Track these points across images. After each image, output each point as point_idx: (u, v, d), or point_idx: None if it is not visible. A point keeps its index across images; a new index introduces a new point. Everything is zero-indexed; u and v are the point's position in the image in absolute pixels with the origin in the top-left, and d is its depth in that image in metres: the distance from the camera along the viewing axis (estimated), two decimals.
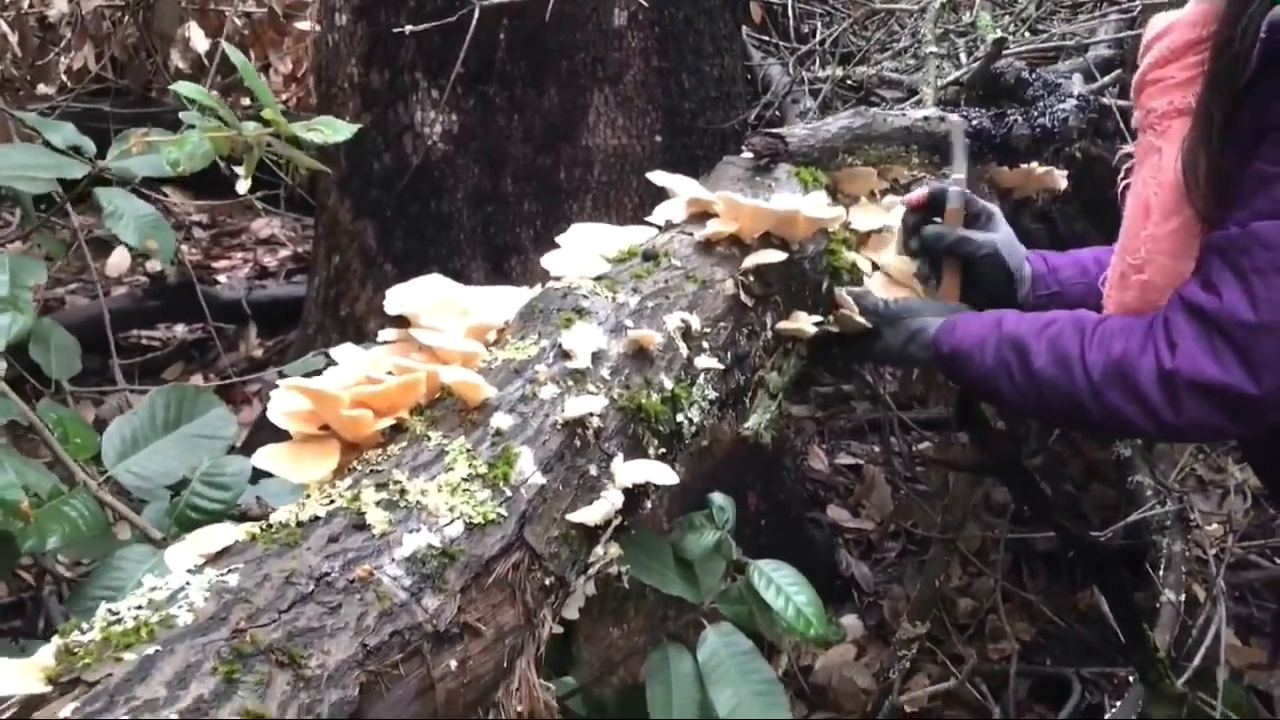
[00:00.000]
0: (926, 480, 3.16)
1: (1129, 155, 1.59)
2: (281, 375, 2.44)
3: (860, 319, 1.68)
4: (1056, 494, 2.88)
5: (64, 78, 4.19)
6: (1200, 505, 2.55)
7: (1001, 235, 1.73)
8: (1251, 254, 1.33)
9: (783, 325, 1.65)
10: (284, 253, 4.32)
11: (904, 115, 1.93)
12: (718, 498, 1.53)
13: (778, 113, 2.94)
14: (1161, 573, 2.27)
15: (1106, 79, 2.56)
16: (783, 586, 1.42)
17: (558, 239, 1.63)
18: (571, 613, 1.28)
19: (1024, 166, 2.16)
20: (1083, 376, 1.44)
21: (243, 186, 1.58)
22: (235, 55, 1.40)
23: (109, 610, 0.90)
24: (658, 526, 1.62)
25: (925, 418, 3.32)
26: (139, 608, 0.91)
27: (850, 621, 2.95)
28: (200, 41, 3.96)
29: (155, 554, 1.33)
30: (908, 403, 3.39)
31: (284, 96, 4.36)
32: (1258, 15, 1.29)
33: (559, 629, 1.21)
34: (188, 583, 0.94)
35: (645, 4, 2.42)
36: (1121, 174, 1.61)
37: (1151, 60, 1.48)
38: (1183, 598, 2.24)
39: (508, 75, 2.47)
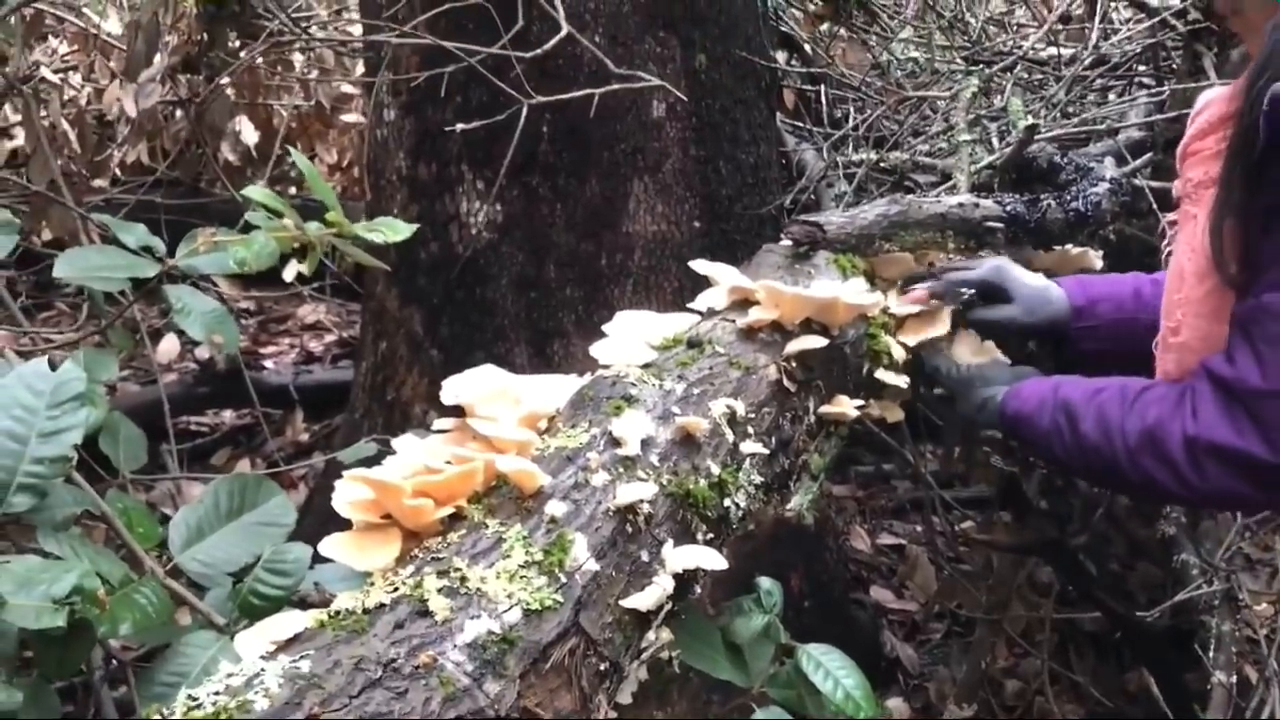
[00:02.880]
0: (970, 560, 3.15)
1: (1172, 223, 1.65)
2: (329, 461, 2.51)
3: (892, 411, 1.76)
4: (1102, 573, 2.86)
5: (117, 171, 4.35)
6: (1249, 584, 2.54)
7: (1021, 297, 1.81)
8: (1262, 324, 1.39)
9: (825, 409, 1.69)
10: (330, 338, 4.42)
11: (939, 202, 1.99)
12: (765, 581, 1.56)
13: (813, 196, 3.01)
14: (1211, 653, 2.25)
15: (1138, 161, 2.61)
16: (831, 670, 1.44)
17: (604, 328, 1.70)
18: (625, 698, 1.31)
19: (1059, 249, 2.20)
20: (1121, 442, 1.52)
21: (290, 274, 1.65)
22: (302, 162, 1.49)
23: (189, 696, 0.95)
24: (703, 609, 1.66)
25: (967, 496, 3.33)
26: (217, 694, 0.96)
27: (896, 705, 2.93)
28: (250, 135, 4.10)
29: (219, 639, 1.37)
30: (949, 481, 3.40)
31: (329, 185, 4.49)
32: (1264, 89, 1.35)
33: (613, 714, 1.25)
34: (262, 669, 0.99)
35: (684, 97, 2.50)
36: (1166, 241, 1.67)
37: (1193, 132, 1.56)
38: (1234, 679, 2.22)
39: (551, 166, 2.55)
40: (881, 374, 1.81)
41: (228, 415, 3.94)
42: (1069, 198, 2.12)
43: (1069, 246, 2.25)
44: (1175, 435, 1.47)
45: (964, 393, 1.76)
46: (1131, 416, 1.53)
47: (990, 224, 1.99)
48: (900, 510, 3.62)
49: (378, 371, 2.83)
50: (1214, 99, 1.54)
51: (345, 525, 1.30)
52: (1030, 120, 2.39)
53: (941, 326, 1.85)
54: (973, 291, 1.86)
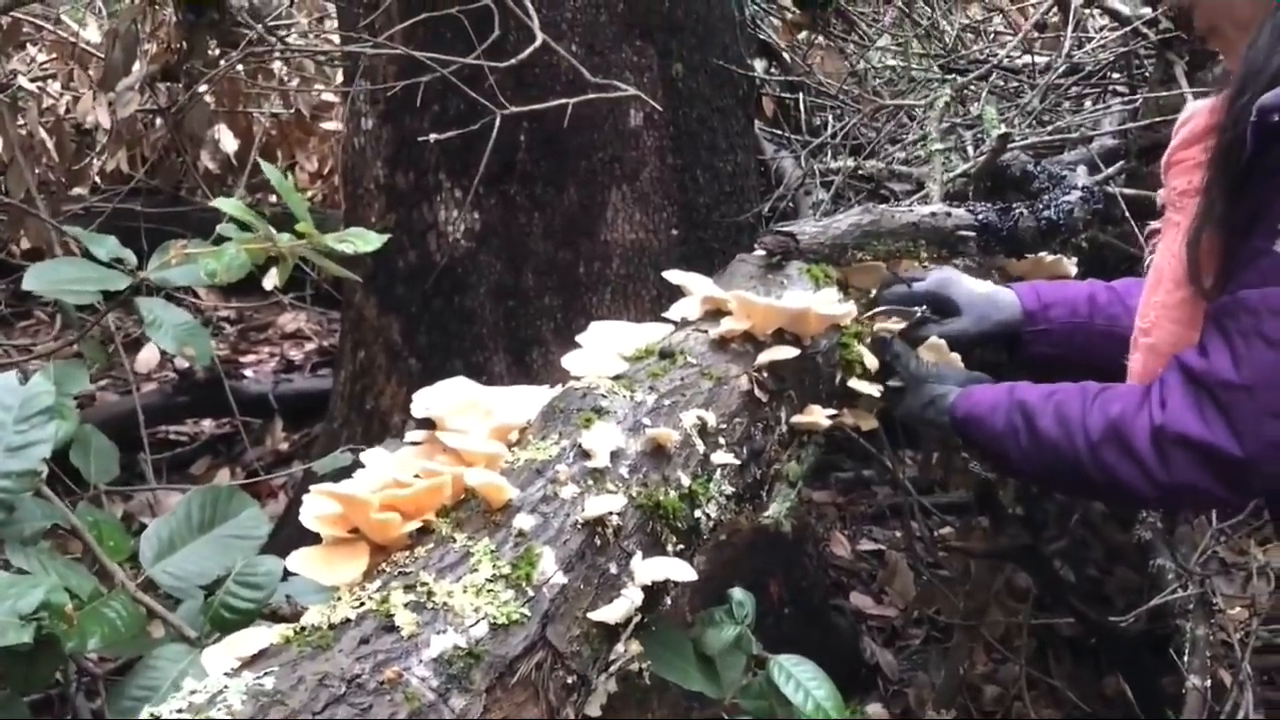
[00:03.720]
0: (949, 566, 3.16)
1: (1156, 231, 1.67)
2: (308, 470, 2.50)
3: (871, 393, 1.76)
4: (1080, 578, 2.88)
5: (96, 179, 4.34)
6: (1224, 589, 2.55)
7: (968, 305, 1.84)
8: (1237, 318, 1.40)
9: (797, 419, 1.70)
10: (310, 346, 4.41)
11: (911, 211, 1.99)
12: (737, 593, 1.57)
13: (790, 204, 3.01)
14: (1186, 658, 2.26)
15: (1112, 169, 2.63)
16: (802, 681, 1.45)
17: (578, 338, 1.70)
18: (594, 710, 1.31)
19: (1032, 256, 2.22)
20: (1082, 437, 1.52)
21: (270, 283, 1.65)
22: (272, 173, 1.48)
23: (152, 715, 0.95)
24: (678, 618, 1.66)
25: (946, 502, 3.34)
26: (180, 711, 0.96)
27: (875, 710, 2.94)
28: (229, 143, 4.10)
29: (190, 653, 1.37)
30: (928, 487, 3.41)
31: (309, 193, 4.48)
32: (1248, 105, 1.37)
33: None
34: (226, 686, 0.99)
35: (660, 107, 2.51)
36: (1149, 249, 1.69)
37: (1177, 142, 1.58)
38: (1209, 683, 2.23)
39: (528, 175, 2.56)
40: (854, 383, 1.82)
41: (207, 424, 3.93)
42: (1041, 206, 2.13)
43: (1043, 254, 2.27)
44: (1142, 426, 1.47)
45: (914, 387, 1.76)
46: (1094, 411, 1.53)
47: (962, 233, 2.00)
48: (880, 516, 3.63)
49: (356, 380, 2.83)
50: (1198, 110, 1.56)
51: (317, 539, 1.29)
52: (1004, 129, 2.41)
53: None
54: (923, 308, 1.87)
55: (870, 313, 1.89)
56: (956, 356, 1.83)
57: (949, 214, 2.01)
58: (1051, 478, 1.64)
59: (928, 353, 1.84)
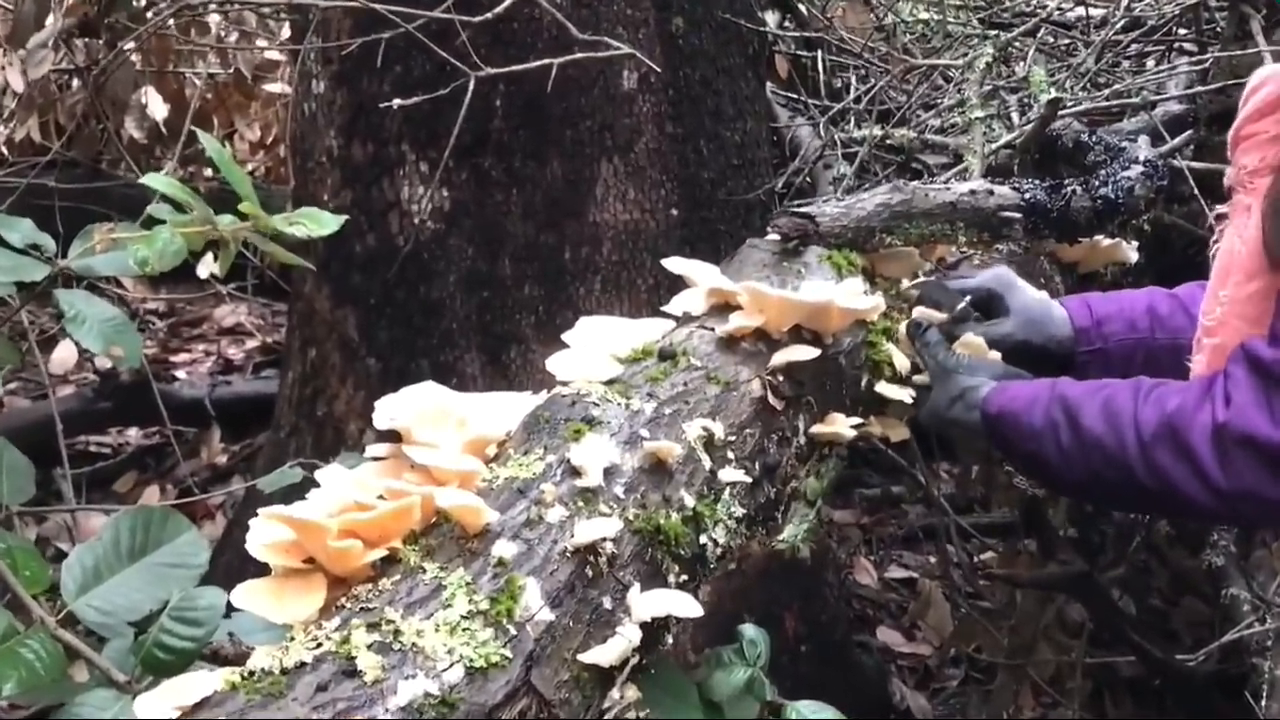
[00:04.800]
0: (991, 596, 3.18)
1: (1222, 215, 1.67)
2: (250, 488, 2.51)
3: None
4: (1141, 610, 2.89)
5: (3, 150, 4.34)
6: None
7: (1019, 310, 1.84)
8: None
9: (817, 429, 1.71)
10: (251, 344, 4.41)
11: (948, 189, 2.00)
12: (749, 629, 1.57)
13: (808, 179, 3.03)
14: (1264, 701, 2.28)
15: (1178, 140, 2.64)
16: None
17: (564, 336, 1.71)
18: None
19: (1086, 240, 2.23)
20: (1132, 434, 1.51)
21: (207, 271, 1.66)
22: (211, 144, 1.49)
23: None
24: (682, 658, 1.67)
25: (987, 523, 3.35)
26: None
27: None
28: (158, 108, 4.09)
29: (120, 699, 1.37)
30: (967, 506, 3.42)
31: (252, 167, 4.49)
32: None
33: None
34: None
35: (658, 67, 2.52)
36: (1215, 236, 1.69)
37: (1247, 113, 1.58)
38: None
39: (505, 146, 2.56)
40: (883, 387, 1.83)
41: (133, 434, 3.93)
42: (1097, 182, 2.14)
43: (1099, 238, 2.28)
44: (1202, 423, 1.47)
45: (941, 379, 1.76)
46: (1147, 406, 1.53)
47: (1006, 214, 2.01)
48: (911, 539, 3.64)
49: (306, 383, 2.83)
50: (1270, 76, 1.57)
51: (264, 568, 1.30)
52: (1054, 93, 2.42)
53: None
54: (967, 300, 1.88)
55: (912, 283, 1.90)
56: (996, 355, 1.84)
57: (991, 192, 2.02)
58: (1095, 484, 1.62)
59: (963, 349, 1.85)
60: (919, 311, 1.87)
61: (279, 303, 4.25)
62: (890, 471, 3.54)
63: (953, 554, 3.23)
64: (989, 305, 1.90)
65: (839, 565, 3.30)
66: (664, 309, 1.83)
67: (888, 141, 2.98)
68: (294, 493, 1.62)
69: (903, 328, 1.88)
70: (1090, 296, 1.93)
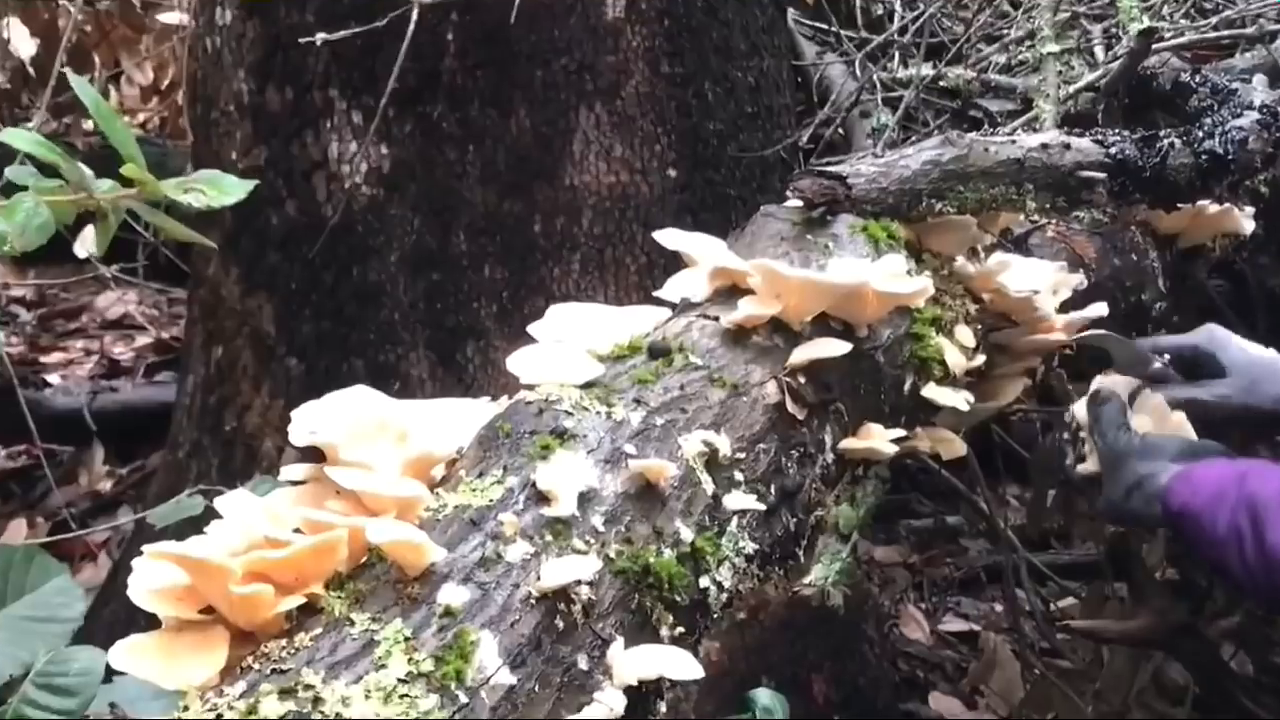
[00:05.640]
0: (1071, 654, 3.18)
1: None
2: (140, 521, 2.50)
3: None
4: (1260, 669, 2.89)
5: None
6: None
7: (1238, 369, 1.85)
8: None
9: (848, 444, 1.71)
10: (143, 340, 4.41)
11: (1014, 143, 2.01)
12: (764, 695, 1.58)
13: (840, 132, 3.03)
14: None
15: None
16: None
17: (531, 329, 1.71)
18: None
19: (1188, 206, 2.23)
20: None
21: (84, 250, 1.66)
22: (83, 88, 1.49)
23: None
24: None
25: (1067, 562, 3.36)
26: None
27: None
28: (24, 44, 4.08)
29: None
30: (1042, 541, 3.43)
31: (142, 117, 4.48)
32: None
33: None
34: None
35: None
36: None
37: None
38: None
39: (459, 91, 2.56)
40: (932, 391, 1.84)
41: None
42: (1201, 133, 2.14)
43: (1205, 203, 2.28)
44: None
45: (1115, 463, 1.78)
46: None
47: (1087, 173, 2.01)
48: (972, 582, 3.64)
49: (211, 389, 2.83)
50: None
51: (154, 620, 1.30)
52: (1148, 21, 2.42)
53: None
54: (1166, 359, 1.89)
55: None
56: (1180, 419, 1.83)
57: (1068, 146, 2.02)
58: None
59: (1142, 419, 1.85)
60: (1101, 381, 1.88)
61: (178, 288, 4.25)
62: (944, 497, 3.54)
63: (1023, 601, 3.23)
64: (1194, 365, 1.91)
65: (881, 615, 3.31)
66: (657, 294, 1.83)
67: (940, 83, 2.98)
68: (194, 526, 1.62)
69: (960, 331, 1.89)
70: None
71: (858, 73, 3.15)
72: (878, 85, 3.03)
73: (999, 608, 3.51)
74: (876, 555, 3.59)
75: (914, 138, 2.50)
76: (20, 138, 1.50)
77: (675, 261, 1.90)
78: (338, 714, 1.12)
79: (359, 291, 2.64)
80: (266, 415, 2.74)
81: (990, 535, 3.43)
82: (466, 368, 2.63)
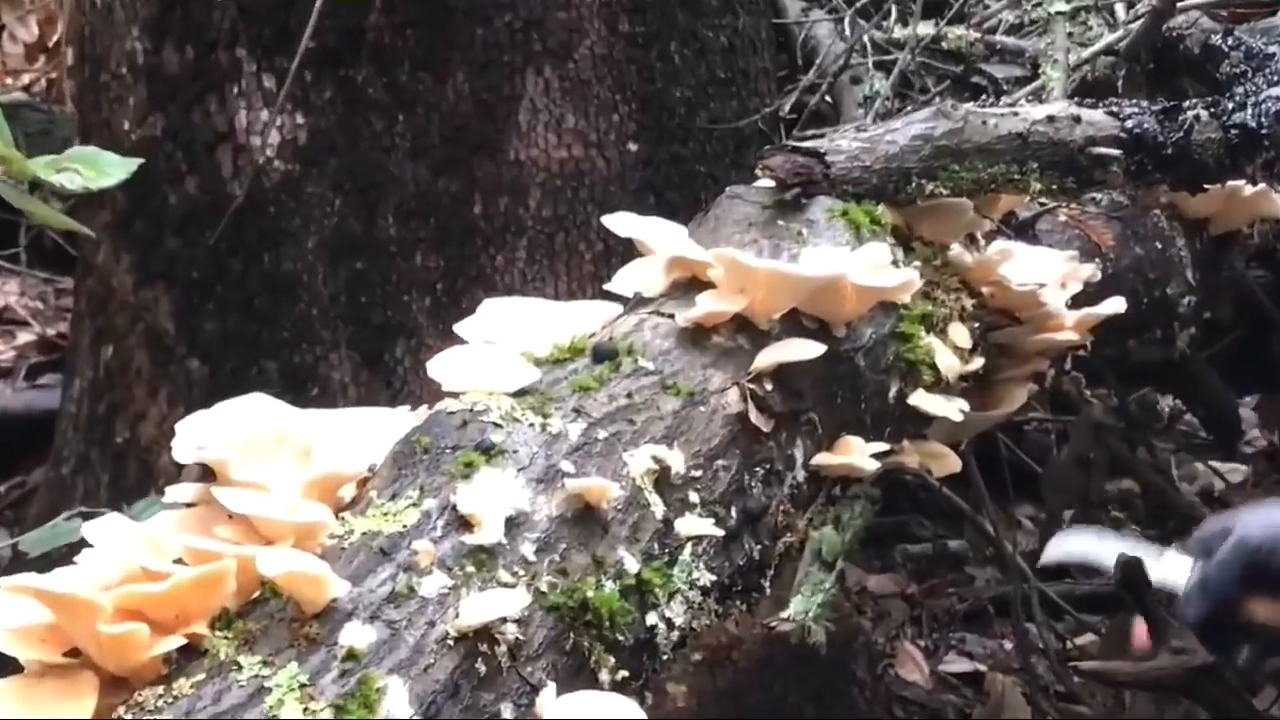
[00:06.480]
0: (1089, 697, 3.20)
1: None
2: (15, 545, 2.49)
3: None
4: None
5: None
6: None
7: None
8: None
9: (823, 460, 1.71)
10: (25, 337, 4.38)
11: (1016, 115, 2.01)
12: None
13: (828, 99, 3.04)
14: None
15: None
16: None
17: (458, 328, 1.71)
18: None
19: (1217, 188, 2.24)
20: None
21: None
22: None
23: None
24: None
25: (1085, 593, 3.37)
26: None
27: None
28: None
29: None
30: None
31: (27, 79, 4.46)
32: None
33: None
34: None
35: None
36: None
37: None
38: None
39: (386, 51, 2.56)
40: (920, 399, 1.84)
41: None
42: (1231, 104, 2.15)
43: (1238, 183, 2.29)
44: None
45: None
46: None
47: (1100, 150, 2.01)
48: (977, 615, 3.65)
49: (100, 395, 2.82)
50: None
51: (12, 664, 1.30)
52: None
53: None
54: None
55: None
56: None
57: (1077, 119, 2.03)
58: None
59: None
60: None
61: (64, 279, 4.22)
62: (947, 518, 3.55)
63: (1035, 637, 3.24)
64: None
65: (873, 654, 3.31)
66: (607, 287, 1.83)
67: (941, 45, 2.98)
68: (76, 554, 1.62)
69: (955, 330, 1.89)
70: None
71: (847, 32, 3.15)
72: (870, 47, 3.03)
73: (1008, 645, 3.52)
74: (869, 585, 3.59)
75: (909, 107, 2.49)
76: None
77: (630, 251, 1.90)
78: None
79: (271, 282, 2.63)
80: (164, 425, 2.73)
81: (998, 562, 3.44)
82: (395, 370, 2.62)
